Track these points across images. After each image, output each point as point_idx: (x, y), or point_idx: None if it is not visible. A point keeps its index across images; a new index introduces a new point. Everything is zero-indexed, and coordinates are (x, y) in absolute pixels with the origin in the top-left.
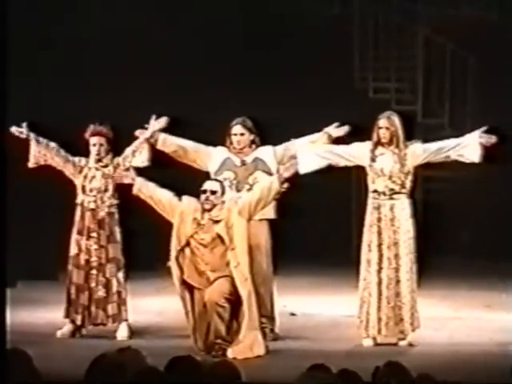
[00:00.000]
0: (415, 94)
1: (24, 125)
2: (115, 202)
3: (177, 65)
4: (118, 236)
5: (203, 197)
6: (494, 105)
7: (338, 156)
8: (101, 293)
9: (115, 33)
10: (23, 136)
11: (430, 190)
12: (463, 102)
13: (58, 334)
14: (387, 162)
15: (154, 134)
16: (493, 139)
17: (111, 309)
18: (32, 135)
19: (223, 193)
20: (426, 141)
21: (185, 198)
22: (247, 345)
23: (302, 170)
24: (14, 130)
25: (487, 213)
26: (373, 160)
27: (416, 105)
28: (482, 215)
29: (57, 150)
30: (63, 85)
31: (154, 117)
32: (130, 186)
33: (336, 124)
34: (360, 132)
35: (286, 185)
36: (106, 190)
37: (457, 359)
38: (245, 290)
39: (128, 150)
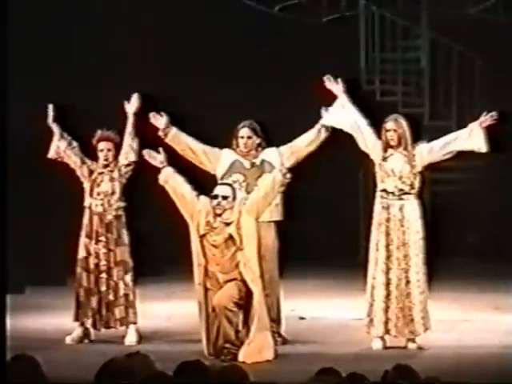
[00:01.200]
0: (422, 96)
1: (52, 114)
2: (122, 204)
3: (179, 66)
4: (126, 239)
5: (215, 202)
6: (501, 106)
7: (361, 135)
8: (111, 296)
9: (115, 34)
10: (48, 122)
11: (438, 192)
12: (470, 104)
13: (68, 339)
14: (397, 163)
15: (166, 128)
16: (494, 115)
17: (118, 312)
18: (56, 128)
19: (234, 197)
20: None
21: (202, 197)
22: (257, 347)
23: (325, 121)
24: (50, 108)
25: (495, 215)
26: (384, 159)
27: (423, 107)
28: (490, 217)
29: (77, 149)
30: (63, 85)
31: (125, 102)
32: (137, 190)
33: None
34: None
35: (289, 175)
36: (113, 193)
37: (465, 362)
38: (256, 287)
39: (122, 152)
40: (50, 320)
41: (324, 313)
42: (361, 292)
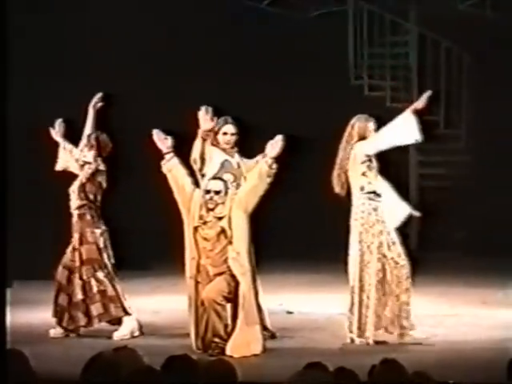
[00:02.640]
0: (410, 91)
1: (55, 130)
2: (83, 202)
3: (175, 65)
4: (92, 237)
5: (207, 197)
6: (488, 102)
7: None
8: (79, 296)
9: (113, 35)
10: (53, 135)
11: (426, 187)
12: (458, 99)
13: (51, 332)
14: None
15: (207, 123)
16: (424, 99)
17: (95, 309)
18: (61, 141)
19: (226, 192)
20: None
21: (197, 190)
22: (245, 341)
23: None
24: (52, 131)
25: (482, 209)
26: (370, 160)
27: (411, 102)
28: (477, 212)
29: (78, 157)
30: (63, 85)
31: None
32: (125, 185)
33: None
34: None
35: (275, 166)
36: (73, 192)
37: (453, 356)
38: (244, 281)
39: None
40: (38, 314)
41: (312, 307)
42: (348, 287)
